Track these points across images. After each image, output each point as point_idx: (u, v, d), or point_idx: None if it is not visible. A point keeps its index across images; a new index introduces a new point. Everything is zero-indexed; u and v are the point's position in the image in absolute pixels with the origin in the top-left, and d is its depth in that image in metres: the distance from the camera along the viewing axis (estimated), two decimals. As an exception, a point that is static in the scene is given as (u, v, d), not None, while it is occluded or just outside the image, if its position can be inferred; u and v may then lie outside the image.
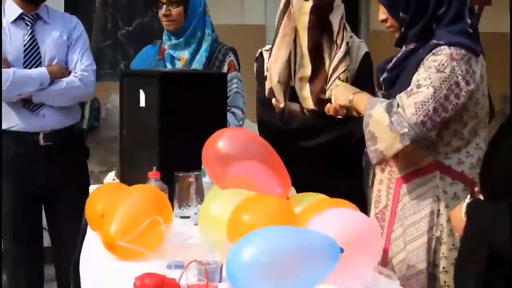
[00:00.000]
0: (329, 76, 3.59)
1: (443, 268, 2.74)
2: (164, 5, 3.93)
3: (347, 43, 3.63)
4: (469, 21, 2.82)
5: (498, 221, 2.18)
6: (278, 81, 3.62)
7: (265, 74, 3.71)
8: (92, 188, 3.64)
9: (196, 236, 2.67)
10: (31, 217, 4.13)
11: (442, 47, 2.73)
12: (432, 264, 2.76)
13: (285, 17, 3.65)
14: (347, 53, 3.61)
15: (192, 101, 3.26)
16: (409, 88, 2.72)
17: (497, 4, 6.66)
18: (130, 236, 2.45)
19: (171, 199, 3.03)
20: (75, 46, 4.13)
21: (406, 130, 2.67)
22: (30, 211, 4.11)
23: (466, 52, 2.73)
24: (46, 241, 4.27)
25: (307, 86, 3.61)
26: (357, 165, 3.58)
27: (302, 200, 2.71)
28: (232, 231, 2.39)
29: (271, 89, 3.66)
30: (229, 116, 3.91)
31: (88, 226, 2.97)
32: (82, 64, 4.11)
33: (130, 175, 3.34)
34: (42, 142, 4.06)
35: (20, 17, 4.08)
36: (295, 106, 3.66)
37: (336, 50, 3.60)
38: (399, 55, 2.87)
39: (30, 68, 4.02)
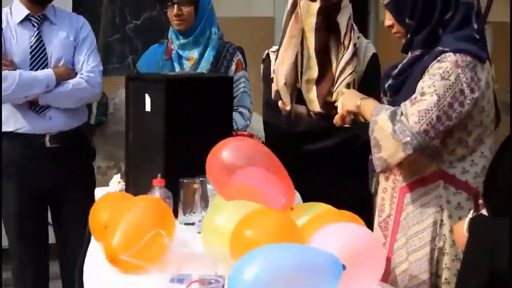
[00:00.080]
0: (336, 78, 3.57)
1: (445, 279, 2.72)
2: (176, 5, 3.90)
3: (355, 44, 3.61)
4: (476, 26, 2.78)
5: (500, 237, 2.17)
6: (285, 84, 3.61)
7: (271, 76, 3.70)
8: (97, 190, 3.66)
9: (199, 246, 2.67)
10: (37, 215, 4.13)
11: (447, 54, 2.70)
12: (435, 275, 2.74)
13: (292, 18, 3.64)
14: (355, 54, 3.60)
15: (198, 106, 3.25)
16: (413, 96, 2.70)
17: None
18: (133, 250, 2.45)
19: (175, 205, 3.04)
20: (81, 47, 4.11)
21: (408, 138, 2.65)
22: (35, 209, 4.11)
23: (471, 59, 2.70)
24: (51, 237, 4.28)
25: (314, 88, 3.60)
26: (364, 168, 3.56)
27: (306, 211, 2.70)
28: (235, 246, 2.39)
29: (277, 91, 3.65)
30: (236, 116, 3.91)
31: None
32: (88, 65, 4.09)
33: (136, 180, 3.34)
34: (48, 144, 4.05)
35: (26, 18, 4.07)
36: (301, 109, 3.65)
37: (343, 51, 3.58)
38: (404, 61, 2.84)
39: (36, 69, 4.01)
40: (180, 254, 2.63)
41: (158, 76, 3.40)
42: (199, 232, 2.81)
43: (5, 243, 4.23)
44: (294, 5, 3.63)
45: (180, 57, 4.00)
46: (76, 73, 4.09)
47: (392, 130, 2.67)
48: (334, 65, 3.59)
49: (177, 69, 3.98)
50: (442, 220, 2.74)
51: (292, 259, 2.14)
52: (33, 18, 4.08)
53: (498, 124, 2.88)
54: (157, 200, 2.76)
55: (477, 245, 2.27)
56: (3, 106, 3.98)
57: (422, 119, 2.65)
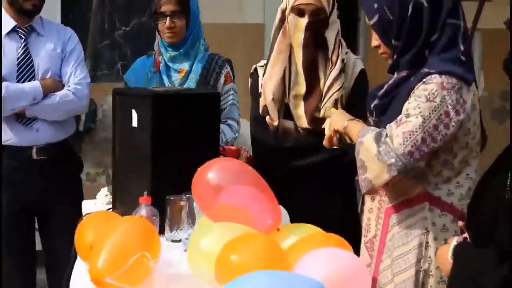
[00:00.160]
0: (323, 94, 3.57)
1: (431, 301, 2.74)
2: (168, 17, 3.89)
3: (343, 60, 3.61)
4: (462, 47, 2.79)
5: (485, 266, 2.18)
6: (273, 99, 3.61)
7: (259, 91, 3.70)
8: (85, 203, 3.66)
9: (185, 266, 2.67)
10: (24, 227, 4.14)
11: (433, 75, 2.71)
12: (420, 297, 2.75)
13: (280, 34, 3.63)
14: (342, 70, 3.60)
15: (185, 122, 3.24)
16: (398, 118, 2.71)
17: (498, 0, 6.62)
18: (118, 273, 2.45)
19: (162, 222, 3.04)
20: (69, 59, 4.11)
21: (393, 160, 2.65)
22: (23, 220, 4.12)
23: (457, 81, 2.71)
24: (38, 245, 4.28)
25: (302, 104, 3.60)
26: (351, 184, 3.57)
27: (293, 232, 2.71)
28: (220, 270, 2.39)
29: (265, 107, 3.65)
30: (225, 128, 3.92)
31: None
32: (76, 77, 4.09)
33: (123, 195, 3.34)
34: (35, 156, 4.06)
35: (13, 30, 4.06)
36: (289, 124, 3.65)
37: (331, 67, 3.58)
38: (390, 82, 2.85)
39: (23, 81, 4.01)
40: (165, 274, 2.63)
41: (145, 92, 3.40)
42: (185, 250, 2.81)
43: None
44: (282, 20, 3.62)
45: (168, 69, 3.99)
46: (64, 85, 4.09)
47: (377, 152, 2.68)
48: (322, 81, 3.58)
49: (166, 81, 3.98)
50: (427, 242, 2.75)
51: (279, 286, 2.14)
52: (20, 30, 4.07)
53: (484, 146, 2.89)
54: (143, 220, 2.76)
55: (461, 272, 2.28)
56: None
57: (407, 141, 2.66)
